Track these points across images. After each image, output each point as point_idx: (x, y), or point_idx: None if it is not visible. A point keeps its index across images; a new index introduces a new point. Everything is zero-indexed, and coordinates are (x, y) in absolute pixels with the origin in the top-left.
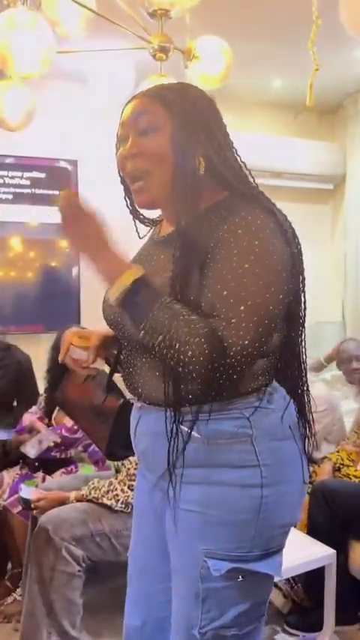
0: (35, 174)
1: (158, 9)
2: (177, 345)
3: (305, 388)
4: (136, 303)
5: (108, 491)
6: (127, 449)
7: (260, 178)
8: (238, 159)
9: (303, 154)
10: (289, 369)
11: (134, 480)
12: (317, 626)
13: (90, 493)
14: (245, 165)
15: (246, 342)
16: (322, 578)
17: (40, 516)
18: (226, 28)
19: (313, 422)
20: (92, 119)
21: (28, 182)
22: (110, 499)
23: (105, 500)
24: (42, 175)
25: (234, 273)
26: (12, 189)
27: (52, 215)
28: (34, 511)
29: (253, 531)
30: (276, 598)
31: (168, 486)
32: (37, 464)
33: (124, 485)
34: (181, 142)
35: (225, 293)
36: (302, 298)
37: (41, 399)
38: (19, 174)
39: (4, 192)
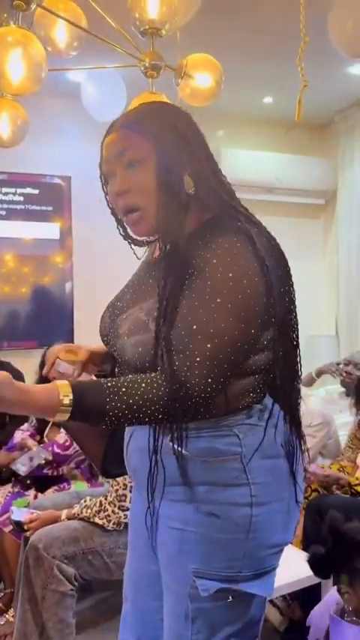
0: (29, 190)
1: (149, 28)
2: (149, 411)
3: (299, 405)
4: (85, 411)
5: (99, 511)
6: (121, 466)
7: (252, 194)
8: (219, 173)
9: (294, 169)
10: (284, 386)
11: (124, 501)
12: None
13: (82, 512)
14: (226, 179)
15: (209, 381)
16: (319, 595)
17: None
18: (217, 46)
19: (304, 439)
20: (85, 135)
21: (21, 198)
22: (102, 519)
23: (97, 520)
24: (35, 191)
25: (205, 307)
26: (5, 206)
27: (45, 231)
28: (27, 532)
29: (243, 551)
30: (272, 615)
31: (150, 501)
32: (28, 481)
33: (115, 506)
34: (167, 170)
35: (195, 327)
36: (293, 318)
37: (33, 417)
38: (12, 190)
39: None
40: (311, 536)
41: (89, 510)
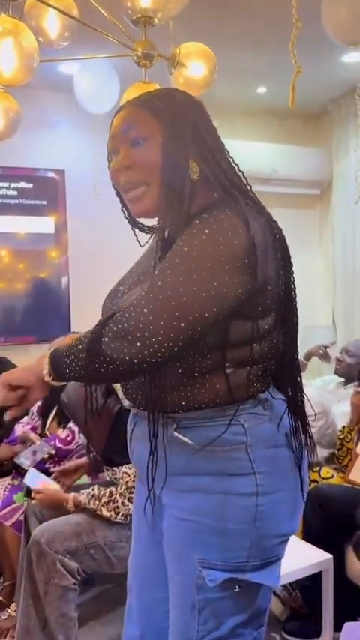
0: (22, 184)
1: (141, 16)
2: (82, 354)
3: (301, 394)
4: (57, 367)
5: (108, 502)
6: (123, 455)
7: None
8: (231, 161)
9: (289, 159)
10: (286, 376)
11: (134, 493)
12: (316, 633)
13: (89, 503)
14: (238, 167)
15: (151, 327)
16: (320, 584)
17: (34, 529)
18: (209, 36)
19: (310, 428)
20: (78, 128)
21: (15, 192)
22: (110, 510)
23: (105, 512)
24: (29, 185)
25: (171, 255)
26: None
27: (40, 225)
28: (32, 500)
29: (249, 541)
30: (274, 605)
31: (149, 489)
32: None
33: (125, 498)
34: (172, 150)
35: (156, 272)
36: (294, 308)
37: (33, 409)
38: (5, 184)
39: None
40: (312, 526)
41: (97, 501)
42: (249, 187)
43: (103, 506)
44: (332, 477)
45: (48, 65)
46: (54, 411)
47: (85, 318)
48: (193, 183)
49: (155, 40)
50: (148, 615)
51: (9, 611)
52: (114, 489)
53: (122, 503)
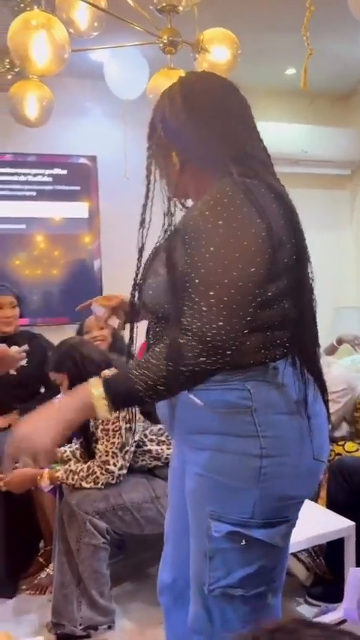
0: (57, 170)
1: (166, 5)
2: (162, 380)
3: (318, 366)
4: (119, 396)
5: (87, 476)
6: None
7: (277, 166)
8: (227, 141)
9: (319, 140)
10: (302, 345)
11: (109, 465)
12: (339, 598)
13: (67, 477)
14: (253, 145)
15: (220, 324)
16: (343, 550)
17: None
18: (237, 20)
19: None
20: (108, 115)
21: (50, 179)
22: (90, 482)
23: (85, 485)
24: (63, 172)
25: (203, 260)
26: (35, 187)
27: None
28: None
29: (254, 499)
30: (298, 570)
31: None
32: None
33: (102, 468)
34: (153, 145)
35: (197, 281)
36: (306, 276)
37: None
38: (41, 171)
39: (27, 190)
40: (335, 497)
41: (75, 476)
42: (258, 164)
43: (82, 479)
44: (357, 450)
45: (79, 53)
46: None
47: None
48: (177, 172)
49: (182, 24)
50: (180, 563)
51: (47, 570)
52: (91, 463)
53: (101, 473)
